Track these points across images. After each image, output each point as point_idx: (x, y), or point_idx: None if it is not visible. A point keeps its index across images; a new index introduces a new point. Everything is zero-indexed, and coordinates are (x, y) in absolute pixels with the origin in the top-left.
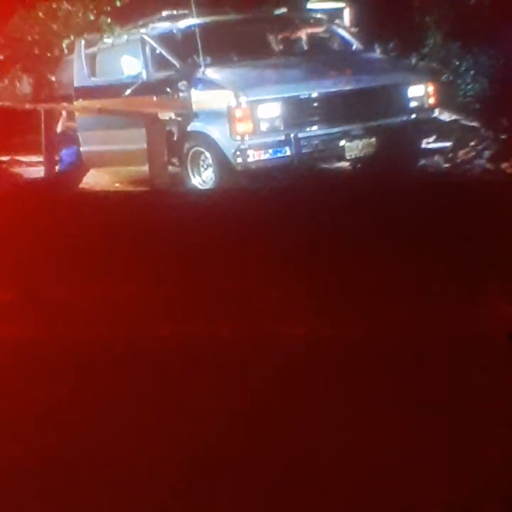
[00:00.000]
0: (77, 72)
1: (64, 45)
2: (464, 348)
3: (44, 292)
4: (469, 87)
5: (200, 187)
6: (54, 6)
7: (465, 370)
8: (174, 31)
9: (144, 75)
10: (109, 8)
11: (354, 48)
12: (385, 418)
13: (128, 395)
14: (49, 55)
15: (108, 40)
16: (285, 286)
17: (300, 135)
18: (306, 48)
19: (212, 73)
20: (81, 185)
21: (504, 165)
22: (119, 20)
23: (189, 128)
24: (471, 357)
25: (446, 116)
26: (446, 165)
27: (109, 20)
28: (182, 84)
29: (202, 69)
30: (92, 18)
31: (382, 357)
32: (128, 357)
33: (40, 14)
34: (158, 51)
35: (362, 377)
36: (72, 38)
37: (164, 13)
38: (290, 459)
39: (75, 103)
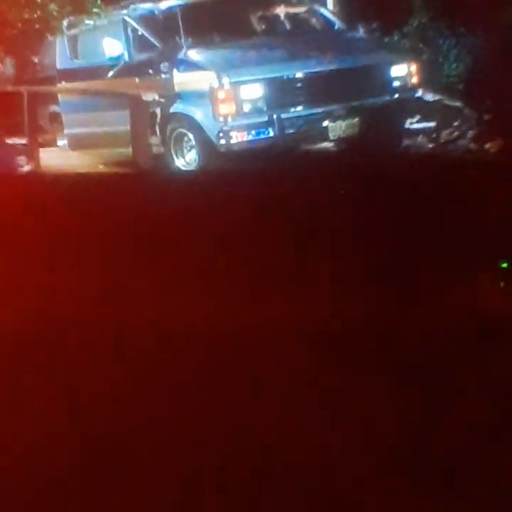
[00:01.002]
0: (60, 55)
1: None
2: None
3: (27, 277)
4: (453, 66)
5: (183, 168)
6: None
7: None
8: (156, 12)
9: (126, 57)
10: None
11: (336, 27)
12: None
13: (117, 379)
14: (36, 36)
15: (90, 22)
16: (269, 270)
17: (283, 116)
18: (288, 28)
19: (194, 54)
20: (65, 167)
21: (488, 145)
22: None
23: (172, 109)
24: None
25: (430, 97)
26: (430, 145)
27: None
28: (164, 66)
29: (184, 50)
30: None
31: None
32: (116, 340)
33: None
34: (139, 32)
35: (355, 363)
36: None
37: None
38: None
39: (57, 85)
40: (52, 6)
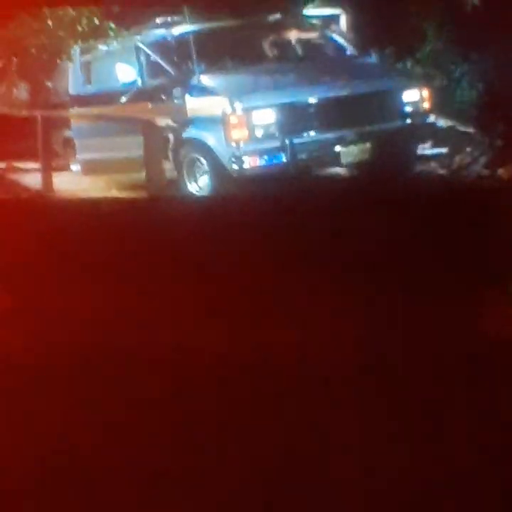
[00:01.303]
0: (73, 80)
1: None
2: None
3: (42, 300)
4: (466, 92)
5: (196, 193)
6: (60, 12)
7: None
8: (168, 38)
9: (139, 82)
10: (113, 12)
11: (349, 53)
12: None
13: (125, 403)
14: (49, 61)
15: (103, 48)
16: (280, 293)
17: (295, 141)
18: (300, 53)
19: (206, 80)
20: (78, 191)
21: (500, 171)
22: (123, 25)
23: (185, 135)
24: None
25: (442, 122)
26: (443, 171)
27: (112, 25)
28: (177, 91)
29: (196, 76)
30: (97, 23)
31: (376, 364)
32: (125, 365)
33: (49, 23)
34: (152, 58)
35: (356, 385)
36: (77, 43)
37: (158, 20)
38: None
39: (70, 110)
40: (63, 32)
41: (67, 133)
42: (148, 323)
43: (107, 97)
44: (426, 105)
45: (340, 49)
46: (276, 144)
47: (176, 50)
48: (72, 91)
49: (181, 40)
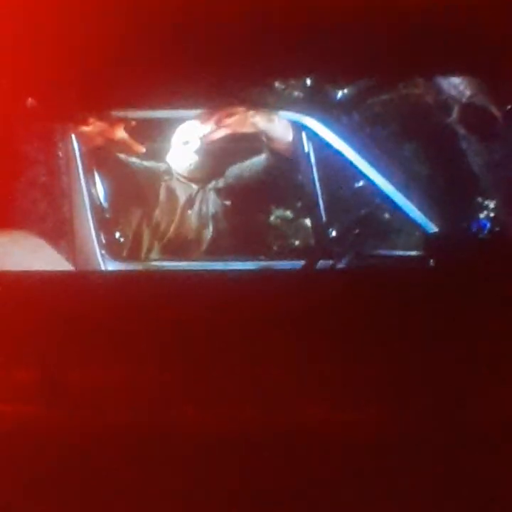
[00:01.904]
0: None
1: None
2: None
3: (63, 373)
4: None
5: None
6: None
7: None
8: None
9: None
10: None
11: None
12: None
13: (146, 482)
14: None
15: None
16: (302, 368)
17: None
18: None
19: None
20: None
21: None
22: None
23: None
24: None
25: None
26: None
27: None
28: None
29: None
30: None
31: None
32: (147, 443)
33: None
34: None
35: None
36: None
37: None
38: None
39: None
40: None
41: None
42: (171, 399)
43: None
44: None
45: None
46: None
47: None
48: None
49: None
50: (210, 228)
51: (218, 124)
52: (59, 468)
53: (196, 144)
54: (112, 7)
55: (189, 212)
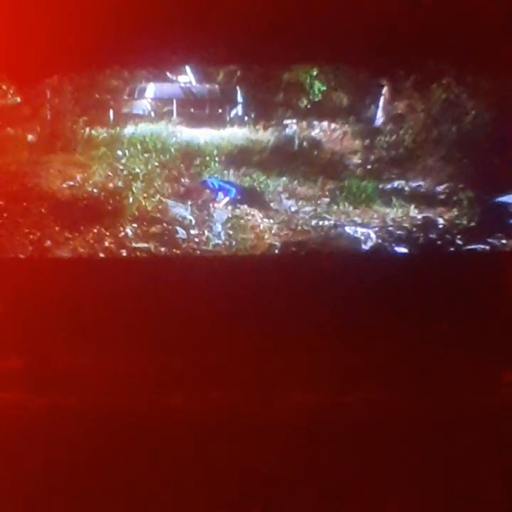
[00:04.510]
0: None
1: None
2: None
3: (53, 361)
4: None
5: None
6: None
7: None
8: None
9: None
10: None
11: None
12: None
13: (135, 464)
14: None
15: None
16: (289, 354)
17: None
18: None
19: None
20: None
21: None
22: None
23: None
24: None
25: None
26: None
27: None
28: None
29: None
30: None
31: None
32: (134, 426)
33: None
34: None
35: (364, 444)
36: None
37: None
38: None
39: None
40: None
41: None
42: (158, 384)
43: None
44: None
45: None
46: None
47: None
48: None
49: None
50: None
51: None
52: (47, 454)
53: None
54: None
55: None
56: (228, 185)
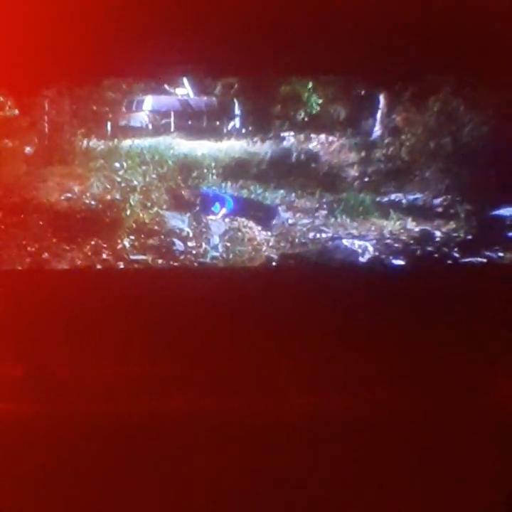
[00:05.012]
0: None
1: None
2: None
3: (51, 370)
4: None
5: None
6: None
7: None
8: None
9: None
10: None
11: None
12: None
13: (135, 472)
14: None
15: None
16: (289, 360)
17: None
18: None
19: None
20: None
21: None
22: None
23: None
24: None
25: None
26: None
27: None
28: None
29: None
30: None
31: (385, 431)
32: (135, 433)
33: None
34: None
35: (366, 451)
36: None
37: None
38: None
39: None
40: None
41: None
42: (158, 391)
43: None
44: None
45: None
46: None
47: None
48: None
49: None
50: None
51: None
52: (45, 462)
53: None
54: None
55: None
56: (228, 197)
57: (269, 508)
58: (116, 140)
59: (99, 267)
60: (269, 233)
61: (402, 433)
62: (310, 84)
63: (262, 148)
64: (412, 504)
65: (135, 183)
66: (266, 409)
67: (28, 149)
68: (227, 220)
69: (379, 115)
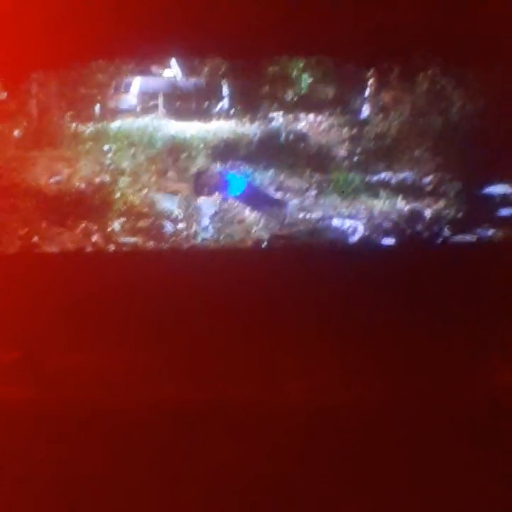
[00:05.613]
0: None
1: None
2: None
3: (41, 354)
4: None
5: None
6: None
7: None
8: None
9: None
10: None
11: None
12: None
13: (128, 458)
14: None
15: None
16: (285, 349)
17: None
18: None
19: None
20: None
21: None
22: None
23: None
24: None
25: None
26: None
27: None
28: None
29: None
30: None
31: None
32: (129, 419)
33: None
34: None
35: (362, 440)
36: None
37: None
38: None
39: None
40: None
41: None
42: (151, 378)
43: None
44: None
45: None
46: None
47: None
48: None
49: None
50: None
51: None
52: (39, 446)
53: None
54: None
55: None
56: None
57: (263, 496)
58: (104, 122)
59: (89, 249)
60: (259, 214)
61: (396, 418)
62: (299, 65)
63: (251, 128)
64: (409, 494)
65: (124, 165)
66: (262, 395)
67: (16, 133)
68: (217, 201)
69: (368, 94)
